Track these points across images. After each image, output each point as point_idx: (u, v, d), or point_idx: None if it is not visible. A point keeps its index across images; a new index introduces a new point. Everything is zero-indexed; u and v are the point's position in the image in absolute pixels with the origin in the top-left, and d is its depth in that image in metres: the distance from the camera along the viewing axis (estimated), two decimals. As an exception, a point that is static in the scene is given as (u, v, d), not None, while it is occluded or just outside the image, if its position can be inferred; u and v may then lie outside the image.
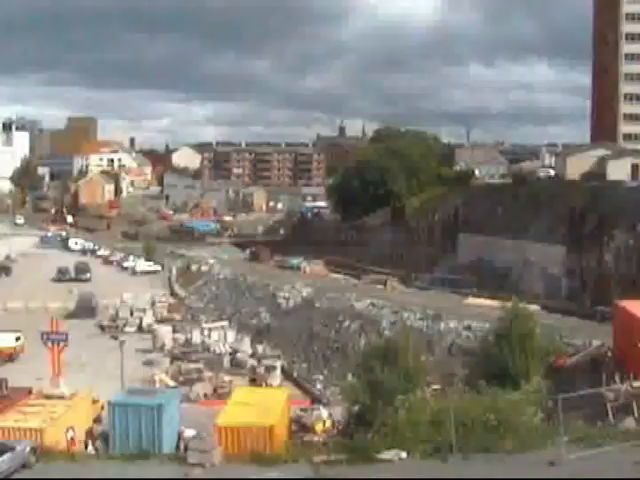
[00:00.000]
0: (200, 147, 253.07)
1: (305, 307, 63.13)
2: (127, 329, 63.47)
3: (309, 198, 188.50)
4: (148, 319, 65.77)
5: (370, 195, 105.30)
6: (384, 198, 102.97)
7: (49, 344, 41.43)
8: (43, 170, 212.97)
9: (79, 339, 51.80)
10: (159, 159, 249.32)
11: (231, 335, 59.34)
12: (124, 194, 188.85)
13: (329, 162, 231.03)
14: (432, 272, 77.52)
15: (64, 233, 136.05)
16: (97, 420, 34.41)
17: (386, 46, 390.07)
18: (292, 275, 79.77)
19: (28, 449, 25.38)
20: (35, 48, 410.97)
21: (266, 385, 47.02)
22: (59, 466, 26.47)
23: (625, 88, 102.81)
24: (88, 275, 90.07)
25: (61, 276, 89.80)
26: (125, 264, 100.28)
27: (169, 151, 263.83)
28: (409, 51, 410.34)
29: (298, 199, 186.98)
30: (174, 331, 60.49)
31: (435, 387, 37.32)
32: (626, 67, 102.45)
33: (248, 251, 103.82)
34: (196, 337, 58.45)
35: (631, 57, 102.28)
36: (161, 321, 65.39)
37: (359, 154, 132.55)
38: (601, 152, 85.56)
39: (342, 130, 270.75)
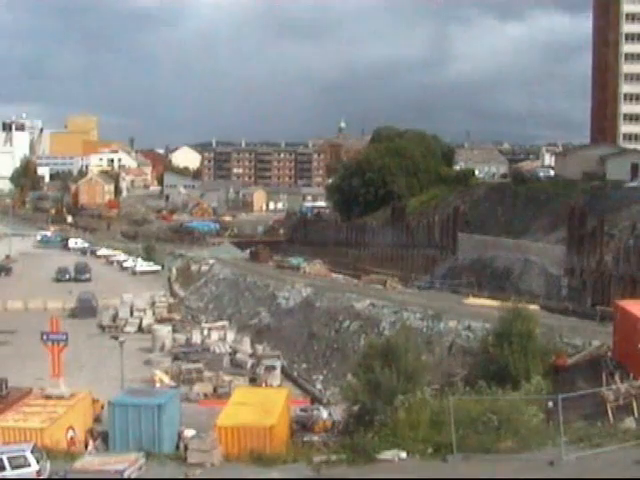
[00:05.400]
0: (200, 147, 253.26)
1: (305, 307, 63.03)
2: (127, 329, 63.44)
3: (309, 198, 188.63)
4: (148, 319, 65.72)
5: (370, 195, 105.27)
6: (384, 198, 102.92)
7: (49, 344, 41.48)
8: (43, 170, 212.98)
9: (79, 339, 51.84)
10: (159, 159, 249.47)
11: (231, 335, 59.29)
12: (124, 194, 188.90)
13: (329, 162, 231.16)
14: (432, 272, 77.49)
15: (64, 233, 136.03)
16: (97, 420, 34.44)
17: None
18: (292, 275, 79.64)
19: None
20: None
21: (266, 385, 46.98)
22: (59, 466, 26.51)
23: (625, 88, 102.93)
24: (88, 275, 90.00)
25: (61, 276, 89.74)
26: (125, 264, 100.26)
27: (169, 151, 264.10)
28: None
29: (298, 199, 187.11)
30: (174, 331, 60.44)
31: (435, 387, 37.30)
32: (626, 67, 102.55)
33: (248, 251, 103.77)
34: (196, 337, 58.40)
35: (631, 57, 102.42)
36: (161, 321, 65.31)
37: (359, 154, 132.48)
38: (601, 152, 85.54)
39: (342, 130, 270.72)
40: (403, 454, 26.17)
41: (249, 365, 51.99)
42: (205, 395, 45.31)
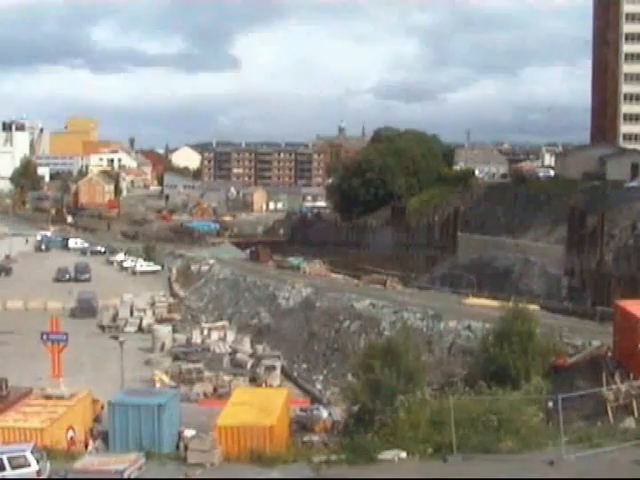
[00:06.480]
0: (200, 147, 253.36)
1: (305, 307, 63.07)
2: (127, 329, 63.41)
3: (309, 198, 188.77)
4: (148, 319, 65.71)
5: (370, 195, 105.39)
6: (384, 198, 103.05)
7: (49, 344, 41.49)
8: (43, 170, 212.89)
9: (79, 339, 51.79)
10: (159, 159, 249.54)
11: (231, 335, 59.32)
12: (124, 194, 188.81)
13: (329, 162, 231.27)
14: (432, 272, 77.51)
15: (64, 233, 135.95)
16: (97, 420, 34.44)
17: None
18: (292, 275, 79.65)
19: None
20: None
21: (266, 385, 47.00)
22: (59, 466, 26.51)
23: (625, 88, 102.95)
24: (88, 275, 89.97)
25: (61, 276, 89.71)
26: (125, 264, 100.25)
27: (169, 151, 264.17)
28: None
29: (298, 199, 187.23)
30: (174, 331, 60.46)
31: (435, 387, 37.32)
32: (626, 67, 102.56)
33: (248, 251, 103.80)
34: (196, 337, 58.43)
35: (631, 57, 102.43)
36: (161, 321, 65.33)
37: (359, 154, 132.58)
38: (601, 152, 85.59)
39: (342, 130, 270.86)
40: (403, 454, 26.16)
41: (249, 365, 52.02)
42: (205, 395, 45.31)
